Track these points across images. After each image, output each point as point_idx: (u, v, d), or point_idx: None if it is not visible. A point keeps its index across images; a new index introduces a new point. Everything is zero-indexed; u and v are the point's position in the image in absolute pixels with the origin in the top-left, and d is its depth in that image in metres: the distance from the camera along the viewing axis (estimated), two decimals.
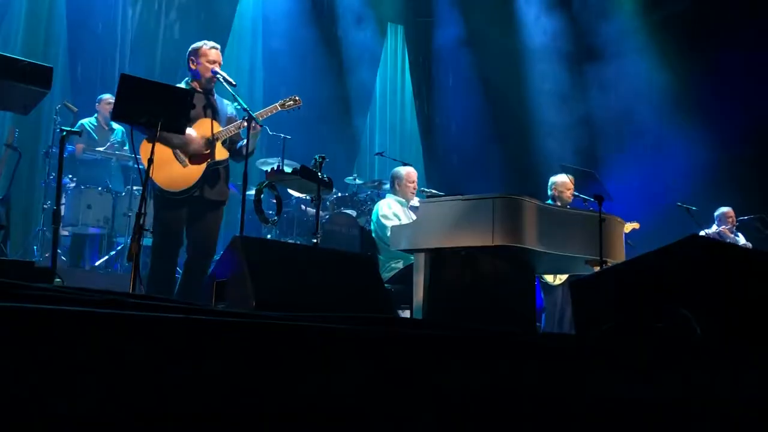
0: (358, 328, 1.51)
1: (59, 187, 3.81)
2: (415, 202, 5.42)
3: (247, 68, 8.25)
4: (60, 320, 1.01)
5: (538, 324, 5.62)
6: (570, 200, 5.88)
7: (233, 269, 3.33)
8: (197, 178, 4.09)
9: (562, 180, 5.96)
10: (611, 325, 2.03)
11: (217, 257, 4.29)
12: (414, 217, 4.86)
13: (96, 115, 6.41)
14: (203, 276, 4.17)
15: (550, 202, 5.85)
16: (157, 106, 3.36)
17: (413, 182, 5.46)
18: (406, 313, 4.79)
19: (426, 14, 9.42)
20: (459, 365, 1.43)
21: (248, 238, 3.70)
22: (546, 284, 5.88)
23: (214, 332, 1.22)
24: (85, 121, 6.31)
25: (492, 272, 4.50)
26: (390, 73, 9.47)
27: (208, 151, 4.15)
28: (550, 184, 6.06)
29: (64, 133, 3.55)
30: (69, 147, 5.68)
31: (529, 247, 4.17)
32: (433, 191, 5.69)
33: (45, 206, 5.80)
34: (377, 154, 7.70)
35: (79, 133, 4.12)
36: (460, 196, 4.36)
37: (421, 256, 4.36)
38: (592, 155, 8.11)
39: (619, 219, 4.82)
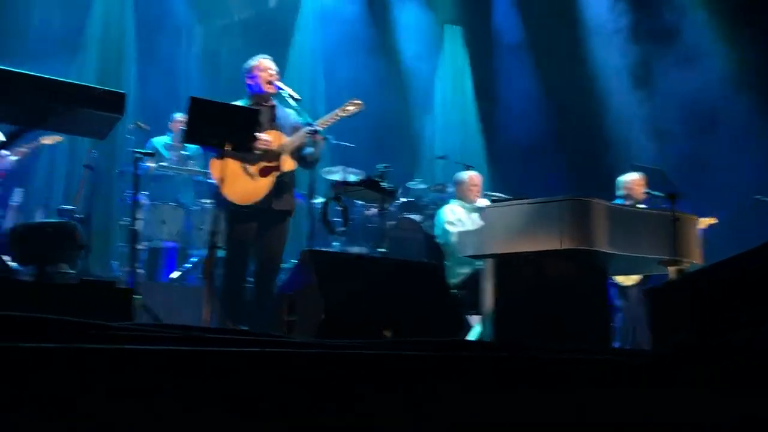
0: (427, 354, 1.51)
1: (135, 205, 3.97)
2: (482, 202, 5.38)
3: (308, 80, 8.37)
4: (146, 360, 1.05)
5: (612, 325, 5.48)
6: (642, 198, 5.72)
7: (303, 282, 3.39)
8: (267, 191, 4.18)
9: (632, 178, 5.80)
10: (684, 338, 1.97)
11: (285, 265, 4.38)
12: (480, 222, 4.82)
13: (170, 133, 6.60)
14: (273, 286, 4.26)
15: (619, 201, 5.70)
16: (226, 127, 3.46)
17: (476, 186, 5.42)
18: (475, 319, 4.76)
19: (485, 13, 9.33)
20: (534, 391, 1.42)
21: (317, 251, 3.75)
22: (619, 285, 5.72)
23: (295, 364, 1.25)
24: (156, 139, 6.52)
25: (562, 277, 4.41)
26: (450, 75, 9.41)
27: (276, 162, 4.22)
28: (619, 183, 5.91)
29: (138, 155, 3.69)
30: (143, 165, 5.89)
31: (600, 250, 4.08)
32: (498, 195, 5.63)
33: (122, 223, 6.02)
34: (439, 157, 7.66)
35: (152, 155, 4.27)
36: (526, 200, 4.30)
37: (489, 262, 4.33)
38: (662, 148, 7.84)
39: (693, 216, 4.66)
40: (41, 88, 3.03)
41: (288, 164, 4.24)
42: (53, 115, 3.20)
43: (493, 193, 5.80)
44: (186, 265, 6.14)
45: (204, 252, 5.94)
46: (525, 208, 4.22)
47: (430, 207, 6.65)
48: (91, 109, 3.24)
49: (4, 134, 4.87)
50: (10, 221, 5.90)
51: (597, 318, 4.52)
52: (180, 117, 6.54)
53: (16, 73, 2.99)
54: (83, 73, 7.22)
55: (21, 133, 3.39)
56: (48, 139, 5.55)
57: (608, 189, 6.01)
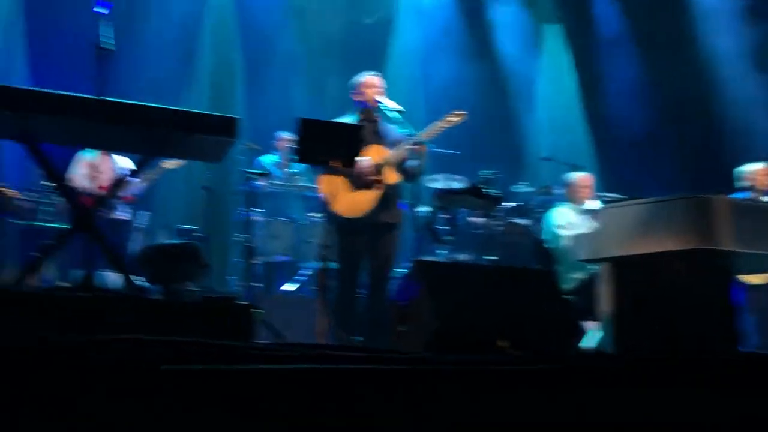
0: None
1: (249, 222, 4.14)
2: (592, 204, 5.21)
3: (407, 90, 8.44)
4: (273, 379, 1.10)
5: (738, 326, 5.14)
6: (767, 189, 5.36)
7: (414, 293, 3.40)
8: (372, 204, 4.27)
9: (756, 168, 5.44)
10: None
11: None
12: (593, 224, 4.67)
13: (277, 152, 6.84)
14: (385, 298, 4.33)
15: (741, 194, 5.36)
16: (333, 144, 3.55)
17: (587, 187, 5.26)
18: (590, 326, 4.62)
19: (583, 9, 9.07)
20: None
21: (427, 262, 3.77)
22: (746, 284, 5.37)
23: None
24: (264, 158, 6.77)
25: (683, 278, 4.18)
26: (552, 75, 9.21)
27: (380, 176, 4.30)
28: (741, 173, 5.55)
29: (251, 175, 3.85)
30: (255, 184, 6.13)
31: (725, 249, 3.84)
32: (612, 195, 5.43)
33: (237, 239, 6.30)
34: (545, 158, 7.49)
35: (264, 174, 4.45)
36: (643, 200, 4.13)
37: (605, 266, 4.18)
38: None
39: None
40: (162, 119, 3.22)
41: (392, 177, 4.30)
42: (174, 143, 3.40)
43: (606, 194, 5.60)
44: (298, 277, 6.33)
45: (314, 265, 6.12)
46: (642, 208, 4.04)
47: (537, 210, 6.51)
48: (207, 135, 3.41)
49: (133, 163, 5.25)
50: (138, 243, 6.32)
51: (721, 320, 4.26)
52: (285, 136, 6.80)
53: (139, 106, 3.21)
54: (198, 100, 7.65)
55: (147, 161, 3.62)
56: (169, 164, 5.89)
57: (726, 181, 5.67)
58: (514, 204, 6.69)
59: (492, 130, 8.42)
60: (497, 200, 4.24)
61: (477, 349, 2.92)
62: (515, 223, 6.32)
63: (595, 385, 1.85)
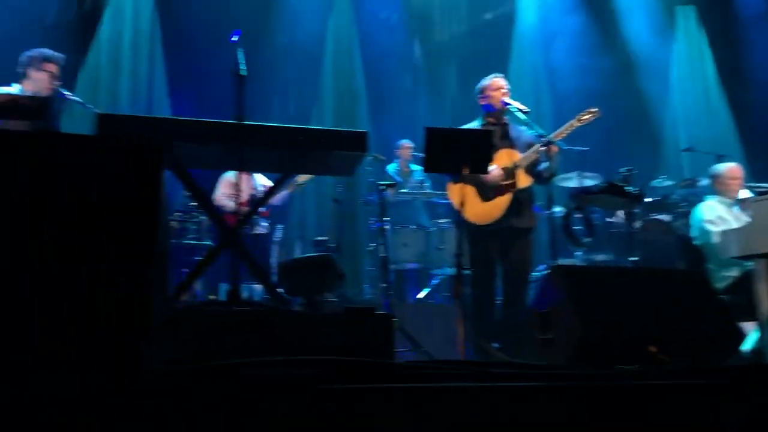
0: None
1: (383, 233, 4.21)
2: (743, 194, 4.85)
3: (532, 88, 8.25)
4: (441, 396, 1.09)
5: None
6: None
7: (555, 300, 3.30)
8: (504, 209, 4.20)
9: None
10: None
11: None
12: (745, 218, 4.34)
13: (397, 160, 6.93)
14: (522, 304, 4.24)
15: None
16: (462, 152, 3.53)
17: (736, 179, 4.89)
18: (750, 326, 4.28)
19: None
20: None
21: (567, 266, 3.66)
22: None
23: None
24: (389, 167, 6.87)
25: None
26: (687, 60, 8.66)
27: (511, 180, 4.23)
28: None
29: (383, 187, 3.91)
30: (384, 193, 6.22)
31: None
32: (764, 186, 5.02)
33: (369, 249, 6.41)
34: (685, 150, 7.06)
35: (394, 185, 4.50)
36: None
37: (762, 262, 3.87)
38: None
39: None
40: (298, 138, 3.34)
41: (523, 181, 4.22)
42: (310, 160, 3.52)
43: (759, 185, 5.18)
44: (430, 284, 6.35)
45: (445, 271, 6.12)
46: None
47: (679, 205, 6.14)
48: (339, 151, 3.50)
49: (269, 178, 5.49)
50: (275, 256, 6.61)
51: None
52: (405, 143, 6.89)
53: (277, 128, 3.35)
54: (323, 115, 7.90)
55: (285, 178, 3.77)
56: (301, 179, 6.11)
57: None
58: (653, 199, 6.37)
59: (624, 122, 8.04)
60: (638, 198, 4.03)
61: (627, 357, 2.78)
62: (656, 220, 5.99)
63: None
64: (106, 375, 1.29)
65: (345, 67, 8.11)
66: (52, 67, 4.24)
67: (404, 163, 6.94)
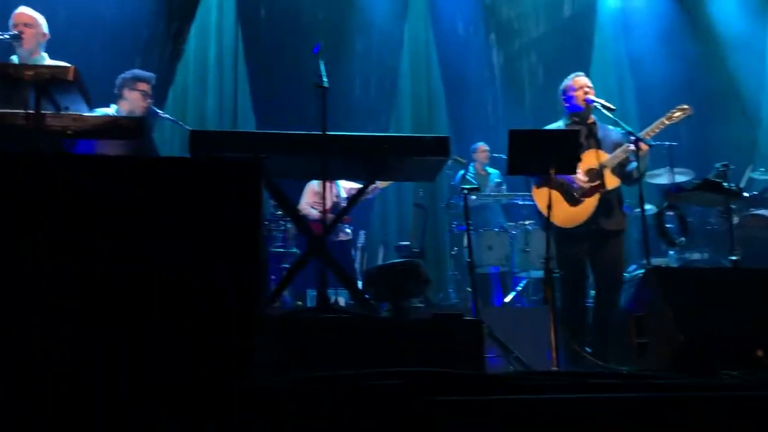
0: None
1: (467, 236, 4.18)
2: None
3: (615, 86, 8.00)
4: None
5: None
6: None
7: (650, 303, 3.19)
8: (591, 212, 4.10)
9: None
10: None
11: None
12: None
13: (474, 163, 6.86)
14: (614, 308, 4.11)
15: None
16: (547, 153, 3.47)
17: None
18: None
19: None
20: None
21: (663, 269, 3.53)
22: None
23: None
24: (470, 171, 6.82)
25: None
26: None
27: (598, 181, 4.12)
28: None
29: (466, 191, 3.89)
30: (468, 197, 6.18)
31: None
32: None
33: (453, 253, 6.38)
34: None
35: (477, 189, 4.46)
36: None
37: None
38: None
39: None
40: (382, 146, 3.37)
41: (611, 182, 4.10)
42: (393, 167, 3.54)
43: None
44: (516, 288, 6.25)
45: (531, 274, 6.01)
46: None
47: None
48: (421, 157, 3.50)
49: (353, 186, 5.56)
50: (358, 262, 6.68)
51: None
52: (481, 146, 6.82)
53: (361, 137, 3.39)
54: (400, 122, 7.94)
55: (367, 186, 3.81)
56: (382, 183, 6.15)
57: None
58: (751, 193, 6.05)
59: (714, 114, 7.68)
60: (737, 194, 3.84)
61: (730, 362, 2.65)
62: (756, 215, 5.70)
63: None
64: (216, 386, 1.34)
65: (422, 71, 8.12)
66: (145, 86, 4.44)
67: (480, 167, 6.87)
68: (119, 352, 1.38)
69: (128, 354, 1.37)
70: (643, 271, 3.82)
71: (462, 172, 6.80)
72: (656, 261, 5.40)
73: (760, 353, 2.83)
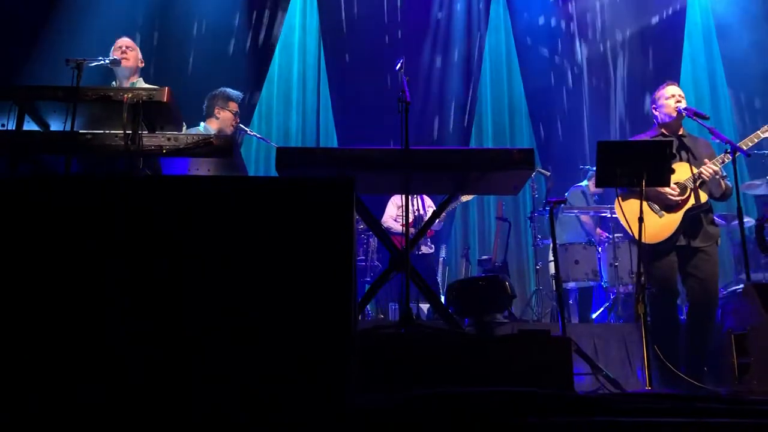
0: None
1: (554, 250, 4.08)
2: None
3: (708, 92, 7.67)
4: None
5: None
6: None
7: (752, 320, 3.02)
8: (675, 227, 3.93)
9: None
10: None
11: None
12: None
13: (587, 183, 6.66)
14: (709, 324, 3.91)
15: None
16: (637, 165, 3.35)
17: None
18: None
19: None
20: None
21: (764, 285, 3.32)
22: None
23: None
24: (581, 183, 6.63)
25: None
26: None
27: (685, 196, 3.95)
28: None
29: (551, 205, 3.81)
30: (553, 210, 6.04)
31: None
32: None
33: (537, 267, 6.25)
34: None
35: (563, 201, 4.37)
36: None
37: None
38: None
39: None
40: (467, 159, 3.36)
41: (701, 196, 3.91)
42: (477, 180, 3.51)
43: None
44: (605, 303, 6.06)
45: (621, 288, 5.80)
46: None
47: None
48: (506, 170, 3.46)
49: (434, 201, 5.55)
50: (440, 275, 6.65)
51: None
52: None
53: (446, 151, 3.39)
54: (481, 133, 7.89)
55: (450, 199, 3.80)
56: (465, 197, 6.11)
57: None
58: None
59: None
60: None
61: None
62: None
63: None
64: (318, 410, 1.35)
65: (503, 82, 8.05)
66: (234, 106, 4.60)
67: (591, 185, 6.66)
68: (215, 381, 1.41)
69: (226, 382, 1.40)
70: (741, 286, 3.63)
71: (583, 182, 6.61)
72: (756, 276, 5.12)
73: None
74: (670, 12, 7.82)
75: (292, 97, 7.75)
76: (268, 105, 7.68)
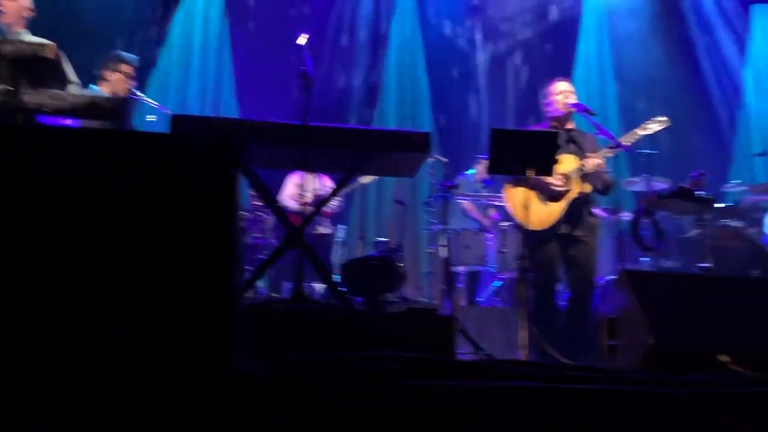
0: None
1: (445, 235, 4.21)
2: None
3: (598, 89, 8.09)
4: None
5: None
6: None
7: (623, 306, 3.23)
8: (558, 216, 4.14)
9: None
10: None
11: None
12: None
13: (476, 168, 6.84)
14: (586, 310, 4.16)
15: None
16: (527, 154, 3.49)
17: None
18: None
19: None
20: None
21: (635, 271, 3.57)
22: None
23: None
24: (467, 172, 6.81)
25: None
26: (761, 60, 8.31)
27: (570, 186, 4.16)
28: None
29: (446, 188, 3.91)
30: (447, 195, 6.19)
31: None
32: None
33: (430, 251, 6.40)
34: (758, 154, 6.80)
35: (456, 186, 4.50)
36: None
37: None
38: None
39: None
40: (363, 138, 3.38)
41: (580, 187, 4.14)
42: (373, 161, 3.55)
43: None
44: (492, 287, 6.30)
45: (507, 274, 6.05)
46: None
47: (754, 212, 5.91)
48: (402, 152, 3.51)
49: (333, 180, 5.56)
50: (337, 256, 6.67)
51: None
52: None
53: (343, 129, 3.40)
54: (383, 118, 7.95)
55: (347, 179, 3.81)
56: (365, 179, 6.15)
57: None
58: (724, 205, 6.15)
59: (694, 125, 7.82)
60: (710, 202, 3.91)
61: (698, 366, 2.70)
62: (727, 227, 5.79)
63: None
64: (196, 374, 1.33)
65: (408, 69, 8.12)
66: (127, 68, 4.40)
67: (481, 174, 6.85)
68: (89, 344, 1.36)
69: (101, 343, 1.35)
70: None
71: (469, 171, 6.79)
72: (630, 267, 5.46)
73: (724, 358, 2.87)
74: (566, 8, 8.19)
75: (192, 67, 7.51)
76: (167, 74, 7.40)
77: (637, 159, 6.15)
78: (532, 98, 6.91)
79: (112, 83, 4.34)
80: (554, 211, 4.15)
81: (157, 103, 4.85)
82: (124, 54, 4.46)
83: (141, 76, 5.94)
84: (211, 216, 1.41)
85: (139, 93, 4.62)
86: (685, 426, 1.44)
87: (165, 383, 1.35)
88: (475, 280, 6.54)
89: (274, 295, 5.85)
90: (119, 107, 2.96)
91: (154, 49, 7.03)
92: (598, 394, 1.28)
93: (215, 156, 1.40)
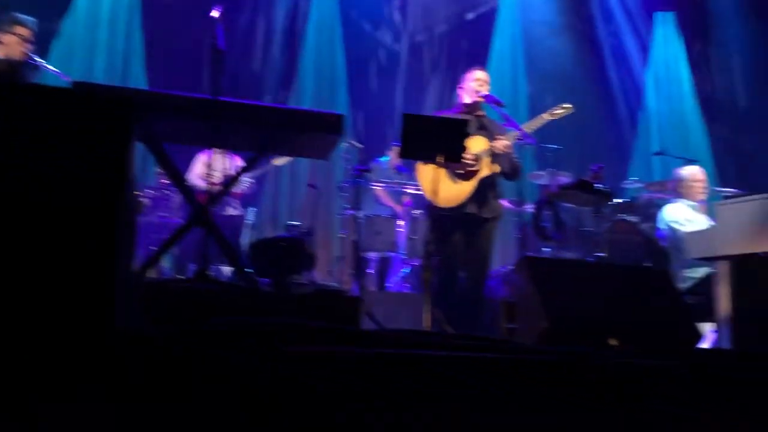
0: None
1: (355, 220, 4.22)
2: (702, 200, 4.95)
3: (510, 83, 8.31)
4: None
5: None
6: None
7: (521, 290, 3.35)
8: (468, 194, 4.23)
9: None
10: None
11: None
12: (708, 220, 4.44)
13: (389, 155, 6.88)
14: (482, 291, 4.28)
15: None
16: (438, 139, 3.55)
17: (699, 182, 4.99)
18: (707, 327, 4.39)
19: None
20: None
21: (534, 258, 3.70)
22: None
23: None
24: (381, 159, 6.84)
25: None
26: (663, 65, 8.78)
27: (478, 166, 4.26)
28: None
29: (359, 172, 3.91)
30: (359, 180, 6.22)
31: None
32: (730, 190, 5.14)
33: (341, 235, 6.41)
34: (656, 153, 7.19)
35: (369, 171, 4.51)
36: (763, 195, 3.88)
37: (724, 265, 3.96)
38: None
39: None
40: (274, 117, 3.33)
41: (490, 168, 4.25)
42: (284, 141, 3.50)
43: (725, 189, 5.30)
44: (401, 273, 6.37)
45: (417, 261, 6.15)
46: (761, 203, 3.81)
47: (649, 208, 6.24)
48: (316, 133, 3.48)
49: (244, 161, 5.45)
50: (246, 238, 6.57)
51: None
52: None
53: (252, 106, 3.33)
54: (301, 98, 7.86)
55: (257, 158, 3.75)
56: (277, 161, 6.07)
57: None
58: (622, 200, 6.47)
59: (598, 124, 8.17)
60: (608, 196, 4.10)
61: (589, 347, 2.83)
62: (624, 221, 6.08)
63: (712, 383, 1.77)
64: (72, 338, 1.28)
65: (326, 49, 8.06)
66: (23, 31, 4.15)
67: (392, 161, 6.91)
68: None
69: None
70: None
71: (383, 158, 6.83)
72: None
73: (613, 342, 3.03)
74: (484, 5, 8.38)
75: (99, 35, 7.17)
76: (70, 43, 7.03)
77: (544, 153, 6.36)
78: (450, 88, 7.05)
79: (6, 46, 4.08)
80: (464, 189, 4.23)
81: (58, 71, 4.60)
82: (20, 15, 4.20)
83: (42, 45, 5.63)
84: (99, 173, 1.35)
85: (38, 59, 4.37)
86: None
87: (47, 343, 1.30)
88: (385, 266, 6.60)
89: (178, 276, 5.70)
90: (10, 68, 2.80)
91: (56, 19, 6.66)
92: (486, 361, 1.33)
93: (108, 114, 1.35)
